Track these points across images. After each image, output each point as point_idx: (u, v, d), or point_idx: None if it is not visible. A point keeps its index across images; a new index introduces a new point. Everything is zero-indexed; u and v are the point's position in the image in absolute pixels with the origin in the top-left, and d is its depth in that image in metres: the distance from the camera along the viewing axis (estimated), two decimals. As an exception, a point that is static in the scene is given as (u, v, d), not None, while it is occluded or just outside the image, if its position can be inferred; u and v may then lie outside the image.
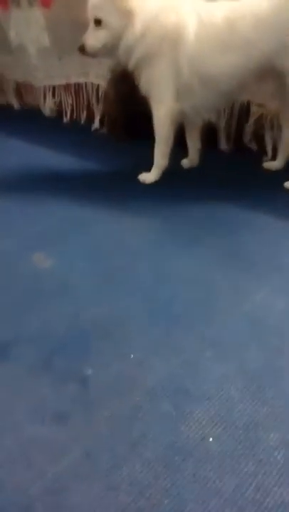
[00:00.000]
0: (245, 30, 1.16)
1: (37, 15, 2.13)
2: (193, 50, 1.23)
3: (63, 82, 2.19)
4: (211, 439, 0.69)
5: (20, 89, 2.58)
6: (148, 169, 1.54)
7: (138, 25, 1.25)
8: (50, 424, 0.72)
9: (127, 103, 1.85)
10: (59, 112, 2.38)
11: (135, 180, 1.56)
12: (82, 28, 1.93)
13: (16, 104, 2.66)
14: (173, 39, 1.23)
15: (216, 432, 0.70)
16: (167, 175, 1.55)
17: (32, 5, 2.12)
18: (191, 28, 1.21)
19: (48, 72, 2.23)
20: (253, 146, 1.71)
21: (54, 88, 2.30)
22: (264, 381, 0.78)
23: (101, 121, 2.17)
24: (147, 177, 1.54)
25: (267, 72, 1.27)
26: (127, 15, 1.24)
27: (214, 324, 0.91)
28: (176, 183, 1.54)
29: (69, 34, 2.03)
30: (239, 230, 1.25)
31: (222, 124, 1.74)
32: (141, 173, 1.56)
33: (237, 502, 0.61)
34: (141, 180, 1.55)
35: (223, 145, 1.78)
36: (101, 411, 0.74)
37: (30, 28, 2.19)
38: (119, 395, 0.77)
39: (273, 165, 1.57)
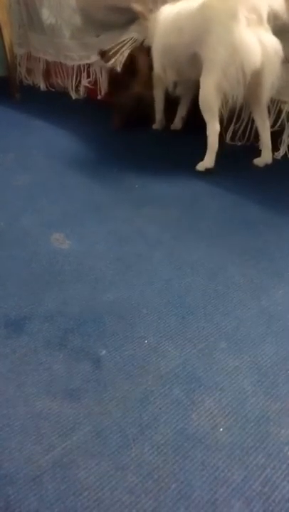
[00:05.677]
0: (180, 20, 1.56)
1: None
2: (158, 31, 1.69)
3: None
4: (221, 429, 0.69)
5: (50, 70, 2.57)
6: (173, 157, 1.53)
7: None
8: (61, 400, 0.73)
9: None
10: (87, 94, 2.37)
11: (158, 169, 1.55)
12: (114, 10, 1.92)
13: (42, 85, 2.65)
14: (153, 26, 1.72)
15: (227, 423, 0.69)
16: (189, 168, 1.54)
17: (64, -14, 2.11)
18: (161, 18, 1.67)
19: (85, 51, 2.22)
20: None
21: (89, 67, 2.29)
22: (278, 377, 0.77)
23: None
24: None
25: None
26: None
27: (230, 317, 0.91)
28: (198, 176, 1.54)
29: (101, 16, 2.02)
30: (259, 226, 1.24)
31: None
32: (166, 161, 1.55)
33: (244, 493, 0.61)
34: (154, 128, 1.94)
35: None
36: (113, 391, 0.74)
37: (63, 9, 2.18)
38: (131, 377, 0.77)
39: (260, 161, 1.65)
